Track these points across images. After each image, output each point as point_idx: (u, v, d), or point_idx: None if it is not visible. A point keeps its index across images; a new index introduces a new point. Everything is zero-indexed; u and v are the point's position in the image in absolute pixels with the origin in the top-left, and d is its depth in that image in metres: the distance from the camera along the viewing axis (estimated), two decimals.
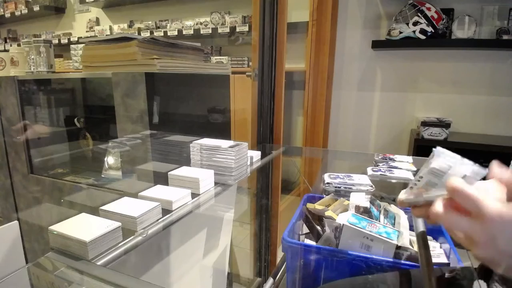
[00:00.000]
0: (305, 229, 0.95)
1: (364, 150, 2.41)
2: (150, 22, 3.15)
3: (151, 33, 3.08)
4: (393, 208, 0.93)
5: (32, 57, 1.43)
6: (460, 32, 1.93)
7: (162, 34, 2.97)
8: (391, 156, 1.26)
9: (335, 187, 1.05)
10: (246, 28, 2.64)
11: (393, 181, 1.09)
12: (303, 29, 2.30)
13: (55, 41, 3.61)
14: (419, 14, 1.91)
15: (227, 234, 1.20)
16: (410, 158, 1.24)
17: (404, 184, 1.08)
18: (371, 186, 1.03)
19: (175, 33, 2.90)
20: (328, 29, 2.12)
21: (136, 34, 2.95)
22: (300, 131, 2.55)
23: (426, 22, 1.90)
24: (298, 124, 2.60)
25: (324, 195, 1.04)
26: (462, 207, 0.42)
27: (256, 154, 1.14)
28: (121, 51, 1.03)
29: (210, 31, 2.78)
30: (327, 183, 1.07)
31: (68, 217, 0.64)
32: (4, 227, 0.59)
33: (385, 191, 1.06)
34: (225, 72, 1.39)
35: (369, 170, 1.13)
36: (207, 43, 2.90)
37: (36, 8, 3.64)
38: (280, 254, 1.61)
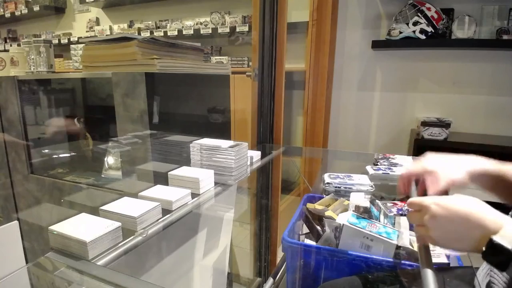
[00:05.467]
0: (305, 229, 0.95)
1: (364, 150, 2.41)
2: (150, 22, 3.15)
3: (151, 33, 3.08)
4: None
5: (32, 57, 1.43)
6: (460, 32, 1.93)
7: (162, 34, 2.97)
8: (391, 156, 1.26)
9: (335, 187, 1.05)
10: (246, 28, 2.63)
11: (393, 183, 1.09)
12: (303, 29, 2.30)
13: (55, 41, 3.61)
14: (419, 14, 1.91)
15: (227, 234, 1.20)
16: (410, 158, 1.24)
17: None
18: (371, 186, 1.03)
19: (175, 33, 2.90)
20: (328, 29, 2.12)
21: (136, 34, 2.95)
22: (300, 131, 2.55)
23: (426, 22, 1.90)
24: (298, 124, 2.60)
25: (324, 195, 1.04)
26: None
27: (256, 154, 1.14)
28: (121, 51, 1.03)
29: (210, 31, 2.78)
30: (327, 183, 1.07)
31: (68, 217, 0.64)
32: (4, 227, 0.59)
33: (385, 191, 1.06)
34: (225, 72, 1.39)
35: (370, 169, 1.13)
36: (207, 43, 2.90)
37: (36, 8, 3.64)
38: (280, 254, 1.61)
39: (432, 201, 0.55)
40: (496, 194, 0.67)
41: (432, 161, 0.69)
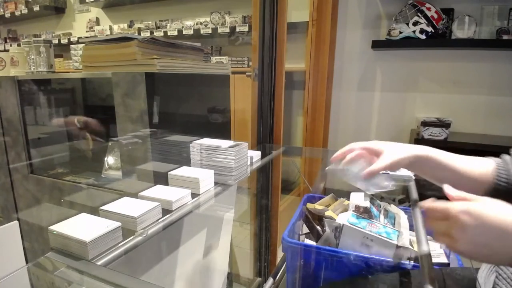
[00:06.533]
0: (305, 229, 0.95)
1: None
2: (150, 22, 3.15)
3: (151, 33, 3.08)
4: (393, 208, 0.93)
5: (32, 57, 1.43)
6: (460, 32, 1.93)
7: (162, 34, 2.97)
8: None
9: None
10: (246, 28, 2.64)
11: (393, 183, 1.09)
12: (303, 29, 2.30)
13: (55, 41, 3.61)
14: (419, 14, 1.91)
15: (227, 234, 1.20)
16: None
17: (404, 181, 1.08)
18: None
19: (175, 33, 2.90)
20: (328, 29, 2.12)
21: (136, 34, 2.95)
22: (300, 131, 2.55)
23: (426, 22, 1.90)
24: (298, 124, 2.60)
25: (324, 195, 1.04)
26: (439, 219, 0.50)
27: (256, 154, 1.14)
28: (121, 51, 1.03)
29: (210, 31, 2.78)
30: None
31: (68, 217, 0.64)
32: (4, 227, 0.59)
33: (385, 191, 1.06)
34: (225, 72, 1.39)
35: None
36: (207, 43, 2.90)
37: (36, 8, 3.64)
38: (280, 254, 1.61)
39: (460, 209, 0.46)
40: (435, 180, 0.69)
41: (379, 143, 0.73)
